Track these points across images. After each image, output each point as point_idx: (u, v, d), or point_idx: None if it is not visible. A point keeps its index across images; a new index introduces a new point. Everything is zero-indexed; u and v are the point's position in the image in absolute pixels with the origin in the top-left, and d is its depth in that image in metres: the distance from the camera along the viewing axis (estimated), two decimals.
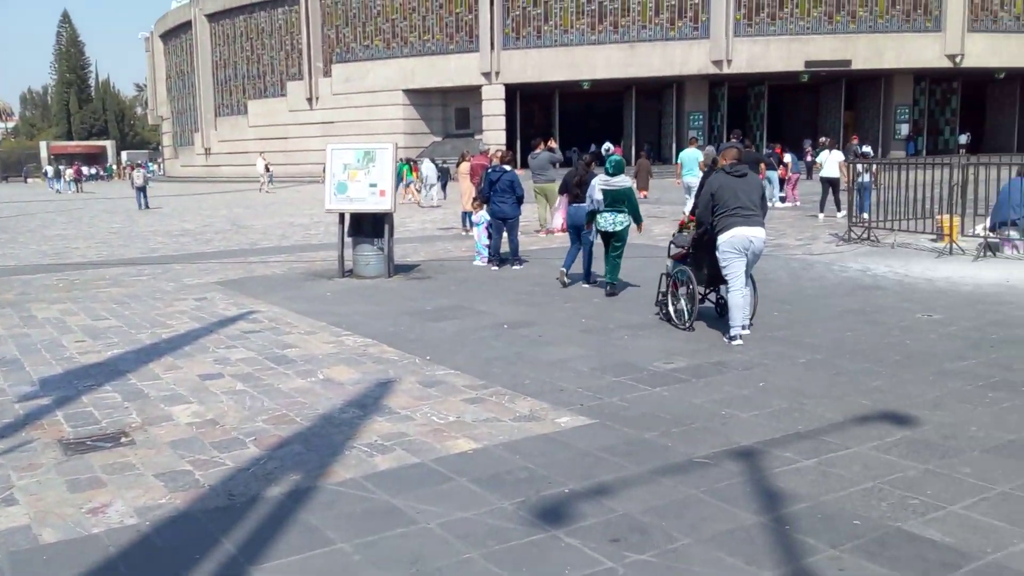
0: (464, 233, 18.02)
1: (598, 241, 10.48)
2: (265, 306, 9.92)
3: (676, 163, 24.23)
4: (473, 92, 43.81)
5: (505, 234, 12.79)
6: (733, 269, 7.54)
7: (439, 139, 47.04)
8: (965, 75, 44.28)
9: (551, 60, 42.02)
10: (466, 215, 18.32)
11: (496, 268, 12.53)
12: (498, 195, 12.49)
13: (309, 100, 48.49)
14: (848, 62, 40.70)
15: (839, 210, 18.14)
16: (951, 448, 4.81)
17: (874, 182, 15.41)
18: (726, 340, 7.54)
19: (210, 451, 5.09)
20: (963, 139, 44.58)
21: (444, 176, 32.36)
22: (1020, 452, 4.73)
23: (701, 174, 12.00)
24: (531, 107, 48.29)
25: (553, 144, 18.58)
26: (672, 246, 8.68)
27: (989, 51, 41.33)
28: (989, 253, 11.93)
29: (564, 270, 11.03)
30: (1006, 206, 12.02)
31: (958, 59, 40.88)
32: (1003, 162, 13.60)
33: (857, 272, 11.31)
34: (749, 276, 7.71)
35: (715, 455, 4.78)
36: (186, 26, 58.70)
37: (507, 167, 12.78)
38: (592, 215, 10.11)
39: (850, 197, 15.33)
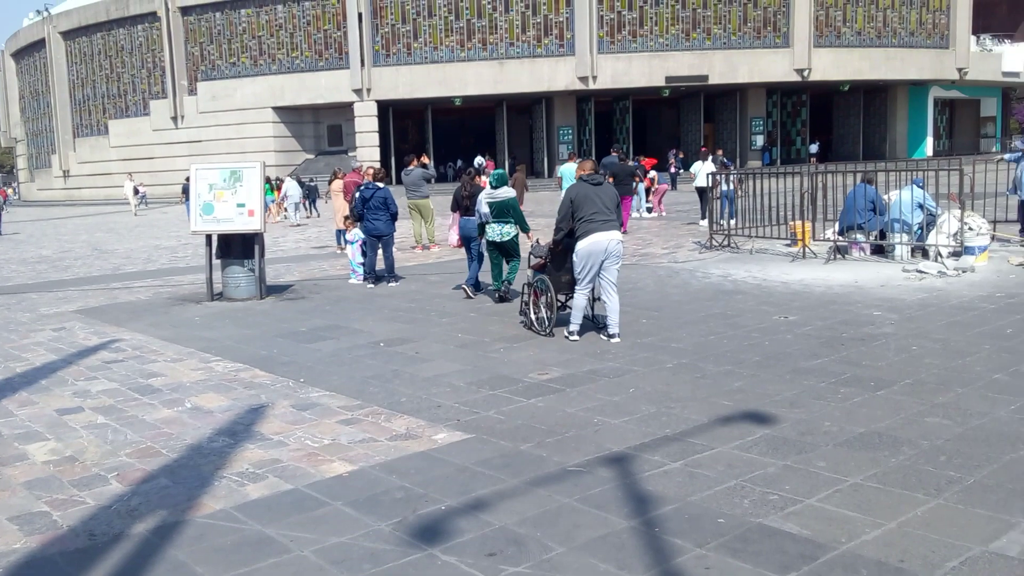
0: (339, 251, 17.78)
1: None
2: (129, 334, 9.51)
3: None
4: (345, 109, 43.38)
5: (380, 251, 12.73)
6: (587, 273, 8.09)
7: (312, 156, 46.30)
8: (813, 88, 46.91)
9: (422, 77, 42.09)
10: (340, 233, 18.09)
11: (372, 286, 12.45)
12: (371, 212, 12.43)
13: (174, 119, 46.82)
14: (705, 77, 42.49)
15: (703, 218, 18.86)
16: (807, 443, 5.09)
17: (737, 191, 16.13)
18: (606, 338, 8.18)
19: (69, 490, 4.85)
20: (813, 148, 47.17)
21: (312, 194, 31.97)
22: (869, 445, 5.05)
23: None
24: (404, 123, 48.19)
25: (426, 160, 18.59)
26: (532, 257, 9.09)
27: (834, 65, 43.97)
28: (839, 256, 12.68)
29: (477, 284, 11.47)
30: (852, 211, 12.80)
31: (806, 73, 43.31)
32: (848, 170, 14.49)
33: (719, 278, 11.80)
34: (615, 283, 8.16)
35: (588, 463, 4.91)
36: (39, 44, 55.61)
37: (380, 184, 12.73)
38: (481, 227, 10.60)
39: (711, 206, 15.98)
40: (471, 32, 42.04)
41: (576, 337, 8.16)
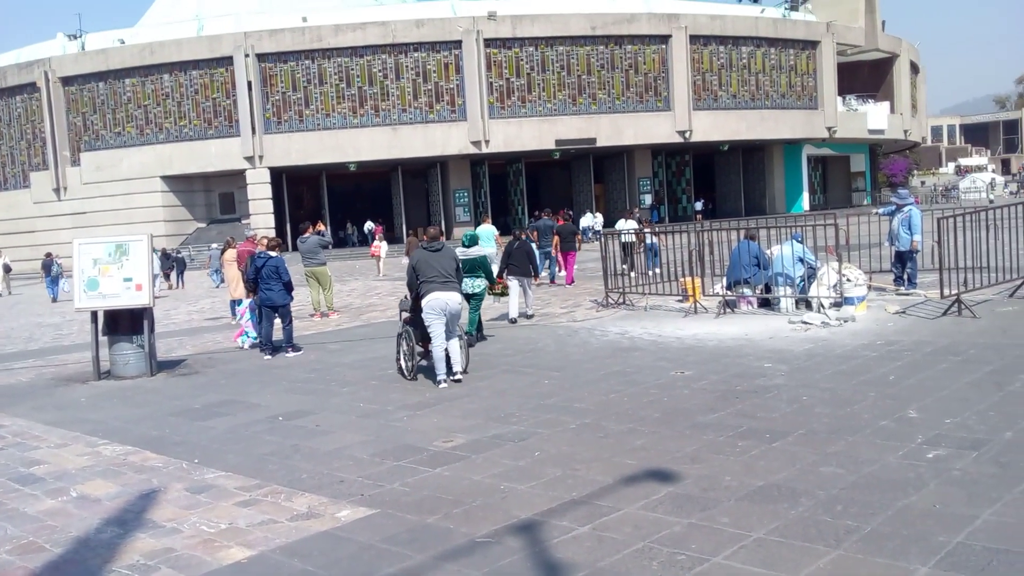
0: (234, 322, 17.32)
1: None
2: (8, 419, 8.97)
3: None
4: (237, 176, 42.70)
5: (278, 321, 12.51)
6: (435, 328, 9.26)
7: (203, 225, 45.24)
8: (695, 148, 48.90)
9: (315, 143, 41.93)
10: (235, 303, 17.65)
11: (269, 357, 12.17)
12: (264, 282, 12.25)
13: (56, 191, 45.06)
14: (593, 140, 43.80)
15: (630, 270, 18.81)
16: (710, 499, 5.18)
17: (662, 243, 17.47)
18: (435, 383, 9.19)
19: None
20: (699, 206, 49.00)
21: (180, 265, 31.41)
22: (769, 497, 5.17)
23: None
24: (299, 189, 47.74)
25: (322, 227, 18.44)
26: (400, 311, 10.25)
27: (713, 127, 46.03)
28: (728, 310, 13.11)
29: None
30: (737, 266, 13.30)
31: (687, 134, 45.16)
32: (732, 227, 15.08)
33: (616, 335, 12.01)
34: (455, 332, 9.43)
35: (496, 532, 4.86)
36: None
37: (272, 253, 12.55)
38: None
39: (605, 265, 16.19)
40: (363, 99, 42.26)
41: (445, 384, 9.15)
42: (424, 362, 9.82)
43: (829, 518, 4.75)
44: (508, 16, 42.76)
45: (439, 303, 9.25)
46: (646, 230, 20.04)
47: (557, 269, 20.99)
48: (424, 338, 9.65)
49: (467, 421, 7.56)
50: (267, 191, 42.44)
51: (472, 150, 42.67)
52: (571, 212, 24.85)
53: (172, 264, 30.98)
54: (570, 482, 5.66)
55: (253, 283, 12.40)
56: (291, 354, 12.29)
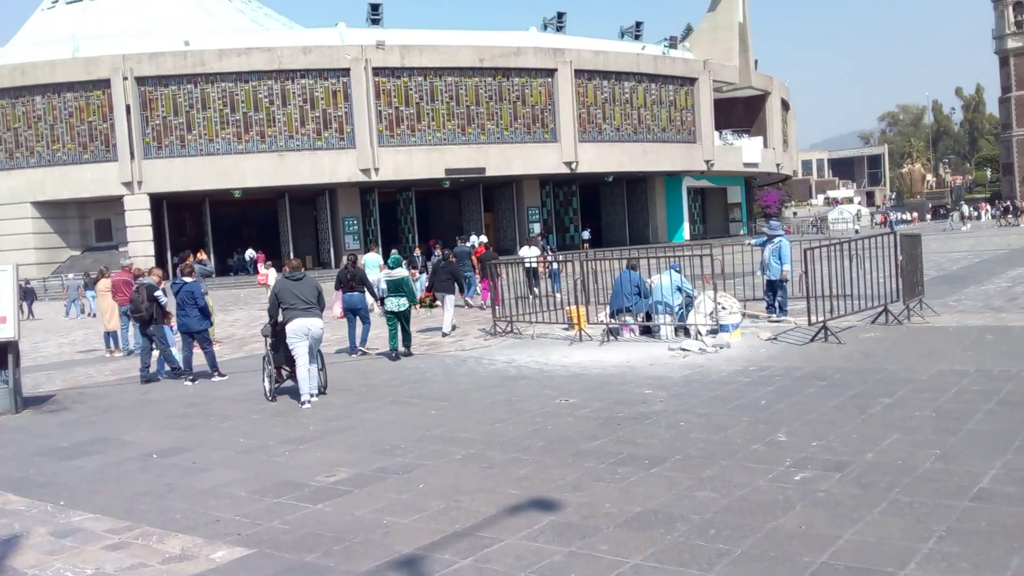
0: (108, 355, 16.62)
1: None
2: None
3: (360, 264, 25.49)
4: (114, 203, 41.02)
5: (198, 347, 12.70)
6: (298, 351, 9.96)
7: (78, 253, 43.22)
8: (581, 179, 49.96)
9: (198, 169, 40.73)
10: (109, 335, 16.95)
11: (190, 383, 12.22)
12: (180, 308, 12.37)
13: None
14: (483, 169, 44.20)
15: (545, 291, 19.34)
16: (590, 527, 5.27)
17: (562, 269, 18.51)
18: (299, 403, 9.86)
19: None
20: (585, 235, 49.99)
21: (29, 296, 30.12)
22: (647, 523, 5.31)
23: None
24: (181, 216, 46.25)
25: (203, 255, 17.96)
26: (264, 337, 10.86)
27: (597, 158, 47.18)
28: (612, 338, 13.42)
29: (359, 348, 14.27)
30: (620, 295, 13.66)
31: (574, 165, 46.13)
32: (615, 256, 15.48)
33: (504, 364, 12.11)
34: (316, 355, 10.19)
35: (377, 568, 4.81)
36: None
37: (187, 279, 12.65)
38: (381, 300, 13.64)
39: (492, 294, 16.40)
40: (248, 125, 41.40)
41: (308, 405, 9.78)
42: (290, 382, 10.55)
43: (703, 542, 4.91)
44: (397, 46, 42.83)
45: (301, 328, 10.00)
46: (551, 256, 22.00)
47: (474, 292, 21.92)
48: (288, 361, 10.38)
49: (351, 454, 7.47)
50: (146, 218, 40.95)
51: (361, 178, 42.34)
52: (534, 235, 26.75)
53: (23, 294, 29.65)
54: (454, 514, 5.67)
55: (135, 312, 12.51)
56: (217, 378, 12.36)
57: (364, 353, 14.11)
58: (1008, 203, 59.96)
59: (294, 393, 10.39)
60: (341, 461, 7.25)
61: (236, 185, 41.22)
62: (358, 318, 14.45)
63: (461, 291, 16.72)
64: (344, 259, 17.71)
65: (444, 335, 15.72)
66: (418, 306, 13.80)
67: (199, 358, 12.74)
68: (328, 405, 9.90)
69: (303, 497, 6.27)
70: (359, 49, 41.83)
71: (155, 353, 13.09)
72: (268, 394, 10.48)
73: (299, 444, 8.01)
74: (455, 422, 8.52)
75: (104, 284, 17.35)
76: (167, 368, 13.14)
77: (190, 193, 41.65)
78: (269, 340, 10.67)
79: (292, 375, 10.39)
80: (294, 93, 41.70)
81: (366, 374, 12.23)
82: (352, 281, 14.29)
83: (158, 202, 41.77)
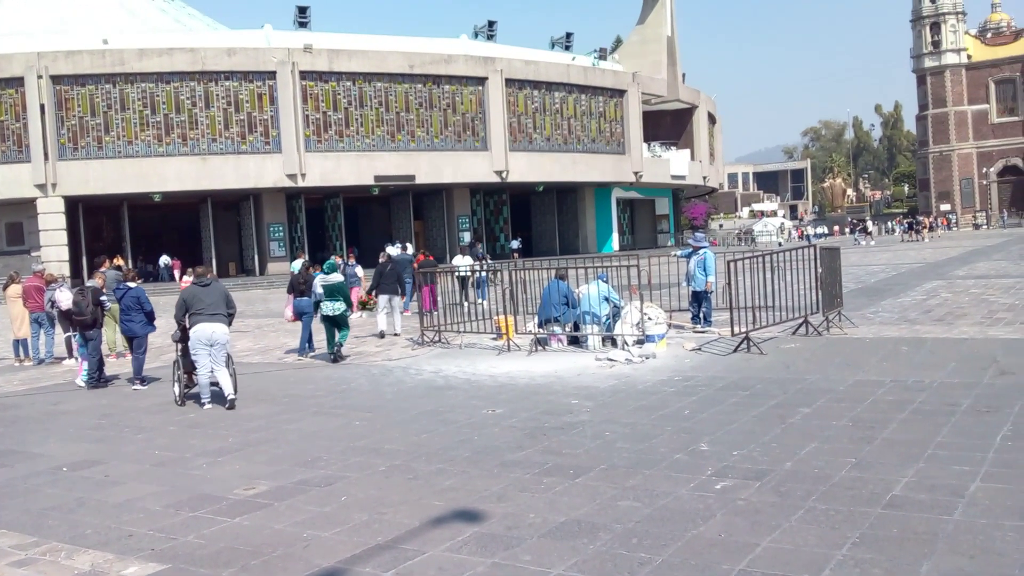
0: (17, 364, 15.96)
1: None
2: None
3: (291, 271, 25.98)
4: (27, 205, 39.47)
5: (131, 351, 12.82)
6: (199, 356, 10.21)
7: None
8: (512, 188, 50.15)
9: (116, 172, 39.50)
10: (18, 343, 16.29)
11: (140, 387, 12.22)
12: (125, 313, 12.20)
13: None
14: (413, 177, 43.97)
15: (473, 298, 20.05)
16: (514, 538, 5.24)
17: (490, 279, 18.93)
18: (199, 405, 10.21)
19: None
20: (515, 244, 50.15)
21: None
22: (570, 533, 5.30)
23: (318, 279, 14.55)
24: (98, 220, 44.80)
25: (120, 262, 17.45)
26: (175, 342, 11.01)
27: (528, 167, 47.41)
28: (540, 348, 13.45)
29: (304, 351, 14.64)
30: (548, 305, 13.70)
31: (504, 174, 46.26)
32: (543, 267, 15.54)
33: (431, 374, 12.02)
34: (222, 361, 10.28)
35: None
36: None
37: (132, 284, 12.53)
38: (317, 304, 13.86)
39: (420, 303, 16.32)
40: (169, 127, 40.38)
41: (208, 406, 10.12)
42: (195, 389, 10.61)
43: (625, 551, 4.93)
44: (325, 50, 42.34)
45: (204, 333, 10.18)
46: (486, 264, 23.29)
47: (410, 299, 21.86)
48: (194, 366, 10.48)
49: (272, 467, 7.30)
50: (61, 221, 39.54)
51: (288, 183, 41.67)
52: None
53: None
54: (376, 527, 5.57)
55: (79, 315, 12.42)
56: (138, 386, 12.15)
57: (336, 357, 13.87)
58: (911, 219, 62.32)
59: (215, 399, 10.39)
60: (261, 473, 7.08)
61: (156, 189, 40.15)
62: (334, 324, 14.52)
63: (403, 293, 17.21)
64: (302, 261, 19.11)
65: (381, 336, 16.47)
66: (356, 307, 14.65)
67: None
68: (249, 416, 9.68)
69: (220, 511, 6.09)
70: (286, 52, 41.22)
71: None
72: (178, 399, 10.63)
73: (217, 456, 7.80)
74: (380, 433, 8.41)
75: (14, 290, 16.66)
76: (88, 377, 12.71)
77: (107, 196, 40.42)
78: (179, 345, 10.84)
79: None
80: (218, 95, 40.86)
81: (289, 384, 12.00)
82: (304, 286, 14.72)
83: (73, 205, 40.43)
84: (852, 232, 64.83)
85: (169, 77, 40.30)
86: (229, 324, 10.58)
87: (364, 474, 6.90)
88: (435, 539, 5.27)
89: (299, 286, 14.91)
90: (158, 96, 40.27)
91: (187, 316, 10.43)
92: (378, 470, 7.00)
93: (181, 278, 29.49)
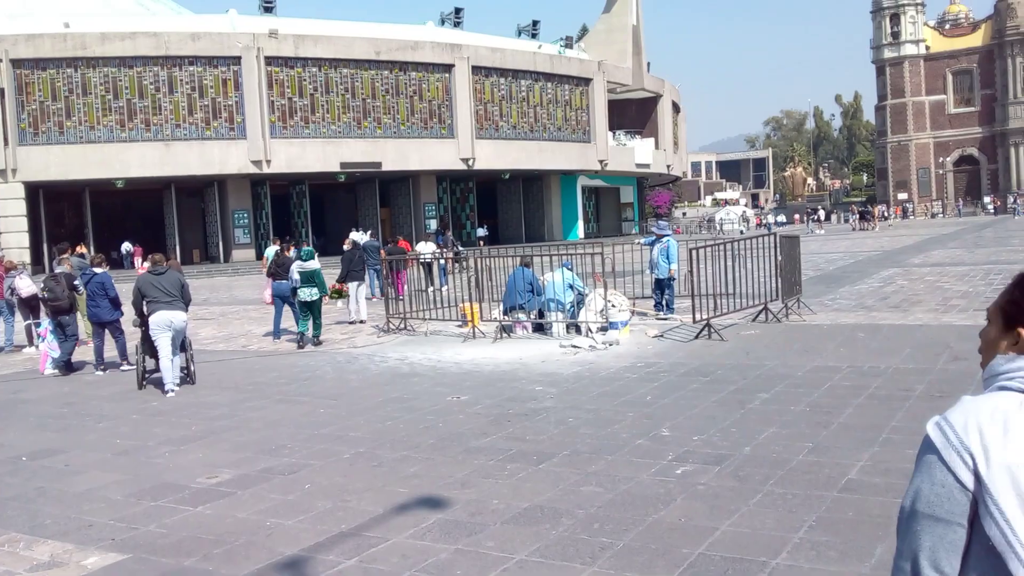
0: None
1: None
2: None
3: (264, 258, 25.93)
4: None
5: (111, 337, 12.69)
6: (161, 342, 10.30)
7: None
8: (478, 175, 50.10)
9: (78, 157, 38.83)
10: None
11: (101, 373, 12.33)
12: (91, 299, 12.28)
13: None
14: (379, 164, 43.74)
15: (429, 288, 20.21)
16: (477, 524, 5.30)
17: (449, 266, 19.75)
18: (163, 392, 10.30)
19: None
20: (482, 232, 50.13)
21: None
22: (533, 519, 5.37)
23: (295, 264, 14.71)
24: (59, 206, 44.05)
25: (83, 249, 17.25)
26: (135, 327, 11.11)
27: (495, 155, 47.37)
28: (505, 335, 13.50)
29: (278, 334, 14.92)
30: (513, 292, 13.75)
31: (471, 162, 46.19)
32: (508, 254, 15.58)
33: (396, 361, 12.03)
34: (184, 346, 10.67)
35: (258, 571, 4.71)
36: None
37: (97, 269, 12.55)
38: (294, 290, 14.01)
39: (385, 290, 16.29)
40: (132, 112, 39.76)
41: (172, 393, 10.21)
42: (157, 374, 10.76)
43: (587, 536, 5.00)
44: (291, 35, 41.93)
45: (163, 320, 10.31)
46: (454, 250, 23.98)
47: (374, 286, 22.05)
48: (154, 352, 10.60)
49: (235, 455, 7.28)
50: (21, 208, 38.83)
51: (253, 170, 41.27)
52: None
53: None
54: (340, 514, 5.60)
55: (54, 301, 12.46)
56: (126, 367, 12.41)
57: (315, 343, 14.22)
58: (863, 208, 63.20)
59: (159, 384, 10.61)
60: (224, 462, 7.06)
61: (119, 175, 39.56)
62: (287, 305, 15.00)
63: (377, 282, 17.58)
64: (276, 248, 19.31)
65: (362, 321, 16.60)
66: (328, 296, 14.87)
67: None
68: (212, 404, 9.63)
69: (183, 500, 6.08)
70: (251, 37, 40.75)
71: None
72: (140, 383, 10.84)
73: (180, 444, 7.76)
74: (345, 420, 8.41)
75: None
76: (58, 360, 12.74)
77: (69, 182, 39.77)
78: (142, 330, 10.91)
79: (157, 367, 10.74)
80: (182, 80, 40.31)
81: (253, 371, 11.95)
82: (281, 270, 15.00)
83: (34, 191, 39.73)
84: (803, 221, 65.63)
85: (132, 62, 39.70)
86: (186, 311, 10.78)
87: (328, 462, 6.91)
88: (399, 526, 5.31)
89: (276, 269, 15.25)
90: (121, 81, 39.64)
91: (144, 304, 10.56)
92: (342, 457, 7.02)
93: (142, 264, 29.09)
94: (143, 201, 46.11)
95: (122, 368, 12.52)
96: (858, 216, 58.59)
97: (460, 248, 27.09)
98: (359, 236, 22.49)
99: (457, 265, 20.43)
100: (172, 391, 10.23)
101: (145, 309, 10.57)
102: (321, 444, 7.49)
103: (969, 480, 1.60)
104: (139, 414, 9.33)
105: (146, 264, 13.46)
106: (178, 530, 5.44)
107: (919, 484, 1.70)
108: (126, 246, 43.04)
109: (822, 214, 63.76)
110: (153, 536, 5.36)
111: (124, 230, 45.72)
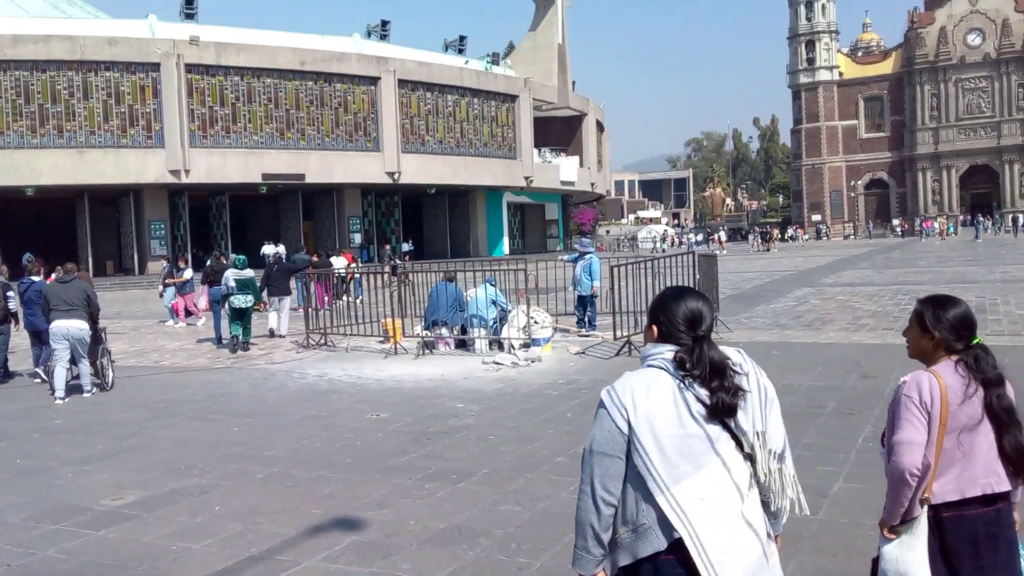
0: None
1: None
2: None
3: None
4: None
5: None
6: (57, 350, 10.63)
7: None
8: (404, 190, 49.75)
9: None
10: None
11: (39, 381, 12.14)
12: (27, 307, 12.30)
13: None
14: (302, 176, 43.08)
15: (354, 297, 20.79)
16: (393, 546, 5.21)
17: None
18: (54, 400, 10.53)
19: None
20: (406, 247, 49.79)
21: None
22: (450, 540, 5.30)
23: (229, 272, 15.21)
24: None
25: None
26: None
27: (420, 170, 47.17)
28: (427, 351, 13.40)
29: (221, 338, 15.53)
30: (435, 307, 13.68)
31: (396, 176, 45.89)
32: (431, 269, 15.51)
33: (315, 378, 11.82)
34: (83, 355, 10.75)
35: None
36: None
37: (35, 278, 12.79)
38: (226, 296, 14.55)
39: (307, 304, 16.01)
40: (44, 117, 38.32)
41: (60, 401, 10.49)
42: (76, 380, 11.02)
43: (504, 557, 4.97)
44: (212, 43, 41.05)
45: (62, 329, 10.58)
46: (391, 263, 24.10)
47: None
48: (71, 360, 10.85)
49: (142, 475, 7.02)
50: None
51: (171, 179, 40.16)
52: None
53: None
54: (251, 537, 5.44)
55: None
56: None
57: (245, 346, 14.98)
58: (764, 231, 65.41)
59: (74, 391, 10.86)
60: (131, 482, 6.80)
61: (29, 182, 38.03)
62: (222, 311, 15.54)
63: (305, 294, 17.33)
64: (211, 256, 20.18)
65: (282, 336, 16.58)
66: (259, 307, 15.51)
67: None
68: (120, 422, 9.29)
69: (85, 523, 5.82)
70: (171, 44, 39.74)
71: None
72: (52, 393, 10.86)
73: (85, 465, 7.45)
74: (259, 439, 8.21)
75: None
76: None
77: None
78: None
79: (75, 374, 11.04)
80: (97, 86, 39.05)
81: (165, 388, 11.59)
82: (216, 275, 15.84)
83: None
84: (744, 239, 67.50)
85: (45, 65, 38.27)
86: (92, 321, 10.95)
87: (240, 482, 6.72)
88: (312, 549, 5.18)
89: (212, 275, 16.24)
90: (33, 85, 38.17)
91: (49, 311, 10.77)
92: (255, 478, 6.84)
93: (49, 275, 28.02)
94: (55, 210, 44.39)
95: (36, 380, 12.30)
96: (759, 237, 61.22)
97: (397, 262, 26.91)
98: (270, 249, 22.50)
99: (395, 279, 20.08)
100: (61, 400, 10.50)
101: (49, 317, 10.80)
102: (234, 464, 7.28)
103: (624, 426, 2.38)
104: (41, 432, 8.95)
105: (53, 277, 13.22)
106: (78, 555, 5.21)
107: (594, 431, 2.46)
108: (27, 256, 41.30)
109: (723, 235, 66.46)
110: (51, 562, 5.11)
111: (34, 239, 43.91)
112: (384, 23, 50.85)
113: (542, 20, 58.93)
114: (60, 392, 10.56)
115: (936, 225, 65.99)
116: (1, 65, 37.70)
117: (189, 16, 43.00)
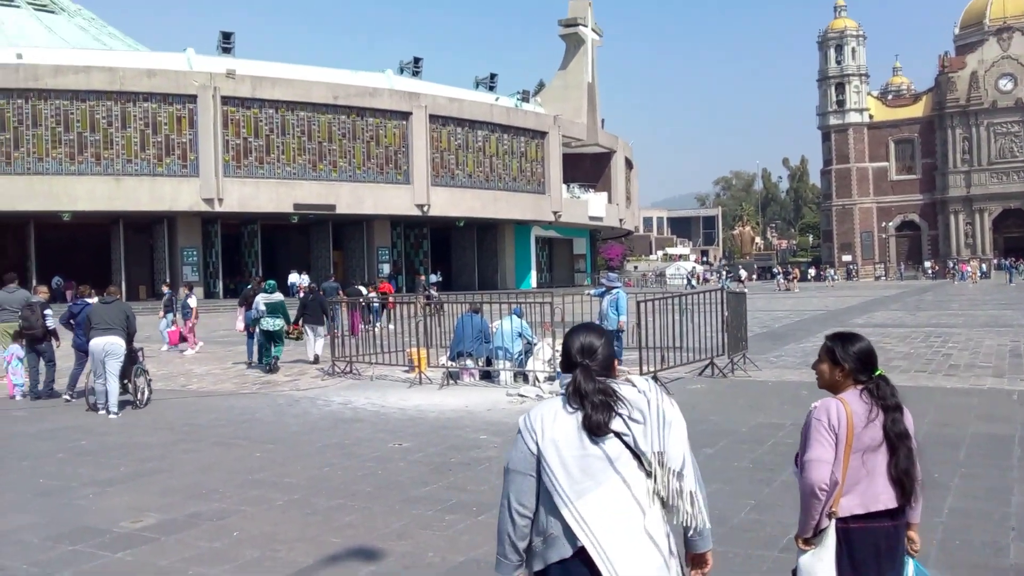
0: None
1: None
2: None
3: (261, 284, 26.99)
4: None
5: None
6: (95, 367, 11.25)
7: None
8: (433, 222, 50.09)
9: (24, 188, 37.95)
10: None
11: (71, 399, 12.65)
12: (79, 328, 12.55)
13: None
14: (333, 206, 43.51)
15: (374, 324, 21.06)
16: None
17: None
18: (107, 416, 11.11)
19: None
20: (434, 278, 49.96)
21: None
22: (469, 572, 5.21)
23: (259, 297, 16.19)
24: (3, 237, 42.94)
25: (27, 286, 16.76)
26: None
27: (450, 202, 47.49)
28: (452, 381, 13.35)
29: (252, 360, 16.62)
30: (461, 338, 13.64)
31: (426, 208, 46.21)
32: (458, 300, 15.50)
33: (339, 406, 11.79)
34: (126, 372, 11.52)
35: None
36: None
37: (89, 300, 12.98)
38: (256, 320, 15.60)
39: (333, 332, 16.03)
40: (83, 145, 39.12)
41: (106, 414, 11.11)
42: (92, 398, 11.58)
43: None
44: (248, 76, 41.78)
45: (99, 346, 11.15)
46: (425, 294, 24.92)
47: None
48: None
49: (163, 499, 7.00)
50: None
51: (204, 208, 40.73)
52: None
53: None
54: (268, 564, 5.38)
55: (28, 330, 12.90)
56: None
57: (272, 368, 15.61)
58: (786, 270, 65.14)
59: (106, 417, 11.13)
60: (150, 505, 6.78)
61: (66, 208, 38.73)
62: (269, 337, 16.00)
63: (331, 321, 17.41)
64: (252, 280, 21.42)
65: (316, 359, 17.09)
66: (290, 331, 16.24)
67: None
68: (144, 445, 9.31)
69: (103, 544, 5.80)
70: (207, 76, 40.53)
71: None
72: (91, 407, 11.59)
73: (106, 486, 7.45)
74: (280, 466, 8.17)
75: None
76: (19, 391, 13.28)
77: (13, 213, 38.79)
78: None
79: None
80: (135, 116, 39.84)
81: (190, 413, 11.62)
82: (252, 300, 16.53)
83: None
84: (772, 277, 67.72)
85: (85, 95, 39.16)
86: (128, 340, 11.52)
87: (260, 508, 6.68)
88: None
89: (250, 299, 17.00)
90: (72, 114, 39.04)
91: (91, 330, 11.37)
92: (275, 504, 6.79)
93: (74, 299, 28.33)
94: (90, 235, 45.11)
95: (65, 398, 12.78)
96: (782, 276, 61.30)
97: (434, 293, 27.19)
98: (296, 278, 23.05)
99: (429, 308, 20.07)
100: (110, 413, 11.13)
101: (90, 336, 11.43)
102: (254, 490, 7.24)
103: (534, 448, 2.67)
104: (65, 453, 8.97)
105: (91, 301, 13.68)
106: None
107: (512, 452, 2.74)
108: (56, 279, 41.90)
109: (743, 274, 66.54)
110: None
111: (70, 264, 44.63)
112: (416, 60, 51.47)
113: (572, 59, 59.39)
114: (113, 407, 11.16)
115: (970, 268, 65.17)
116: (42, 94, 38.64)
117: (226, 50, 43.87)
